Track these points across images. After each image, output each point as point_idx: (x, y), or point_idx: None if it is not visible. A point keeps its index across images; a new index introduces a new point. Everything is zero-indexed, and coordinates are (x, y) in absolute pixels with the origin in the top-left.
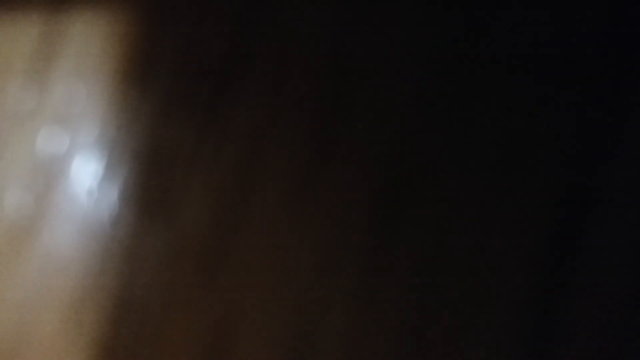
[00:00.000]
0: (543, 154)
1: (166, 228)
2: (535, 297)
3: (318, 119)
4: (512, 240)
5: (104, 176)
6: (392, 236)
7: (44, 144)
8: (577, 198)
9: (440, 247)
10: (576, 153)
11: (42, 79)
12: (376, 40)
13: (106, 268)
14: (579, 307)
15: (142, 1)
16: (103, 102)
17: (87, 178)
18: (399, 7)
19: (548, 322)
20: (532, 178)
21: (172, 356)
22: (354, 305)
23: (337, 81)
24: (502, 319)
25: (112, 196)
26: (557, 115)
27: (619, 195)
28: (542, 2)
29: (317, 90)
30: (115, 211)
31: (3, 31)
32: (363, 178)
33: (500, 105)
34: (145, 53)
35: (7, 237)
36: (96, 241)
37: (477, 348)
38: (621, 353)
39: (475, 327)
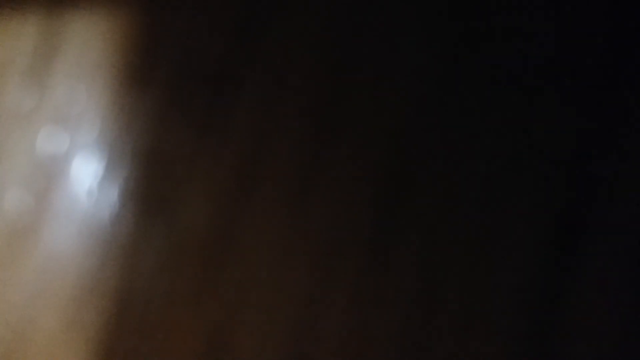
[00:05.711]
0: (544, 151)
1: (166, 228)
2: (537, 292)
3: (317, 119)
4: (513, 238)
5: (104, 176)
6: (393, 233)
7: (44, 144)
8: (578, 196)
9: (441, 243)
10: (576, 154)
11: (42, 79)
12: (375, 42)
13: (106, 268)
14: (579, 306)
15: (142, 2)
16: (103, 102)
17: (87, 178)
18: (397, 10)
19: (549, 319)
20: (535, 174)
21: (172, 355)
22: (354, 303)
23: (335, 82)
24: (503, 316)
25: (112, 196)
26: (558, 111)
27: (620, 193)
28: (540, 12)
29: (316, 90)
30: (115, 211)
31: (3, 31)
32: (363, 178)
33: (500, 101)
34: (145, 53)
35: (7, 237)
36: (96, 241)
37: (479, 343)
38: (621, 353)
39: (477, 323)
